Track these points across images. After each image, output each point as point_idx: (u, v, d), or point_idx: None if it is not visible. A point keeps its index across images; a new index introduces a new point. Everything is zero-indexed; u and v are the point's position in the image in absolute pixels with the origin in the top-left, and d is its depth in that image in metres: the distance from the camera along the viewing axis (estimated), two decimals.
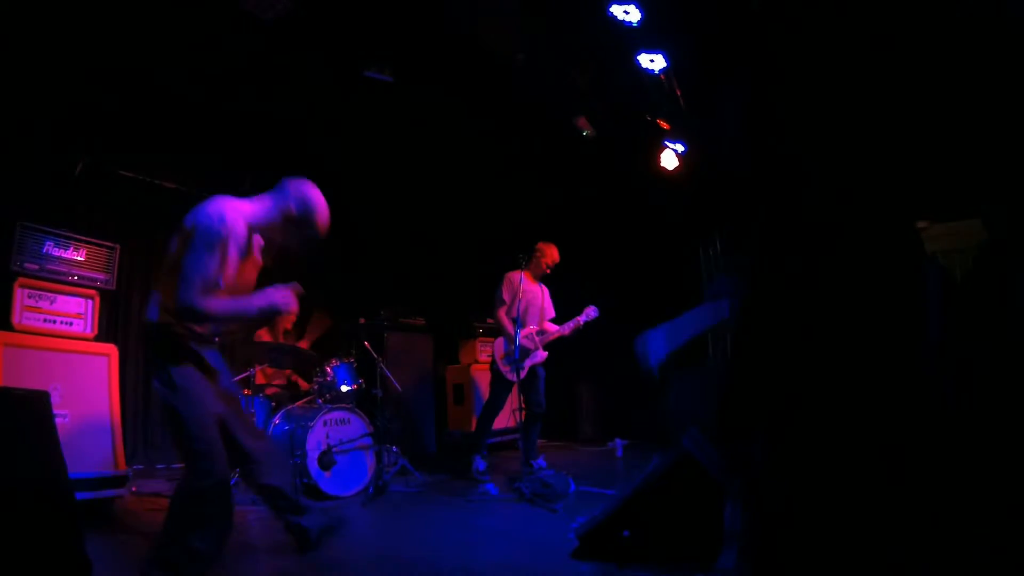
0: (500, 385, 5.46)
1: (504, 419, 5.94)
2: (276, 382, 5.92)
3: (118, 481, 3.84)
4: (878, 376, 1.79)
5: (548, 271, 5.56)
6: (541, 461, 5.42)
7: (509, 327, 5.27)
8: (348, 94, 6.14)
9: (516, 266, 5.38)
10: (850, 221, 1.92)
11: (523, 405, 5.11)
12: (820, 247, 1.90)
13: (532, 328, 5.42)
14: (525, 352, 5.29)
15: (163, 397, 2.56)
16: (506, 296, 5.41)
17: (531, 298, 5.39)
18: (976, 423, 1.78)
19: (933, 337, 1.99)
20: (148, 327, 2.62)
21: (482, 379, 7.28)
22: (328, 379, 5.13)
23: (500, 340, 5.51)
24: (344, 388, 5.13)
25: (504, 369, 5.39)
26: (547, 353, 5.44)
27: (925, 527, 1.67)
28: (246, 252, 2.77)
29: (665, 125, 6.52)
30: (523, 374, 5.25)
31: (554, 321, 5.59)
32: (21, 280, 3.79)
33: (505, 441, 6.93)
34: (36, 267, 3.86)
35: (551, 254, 5.53)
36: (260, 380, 5.47)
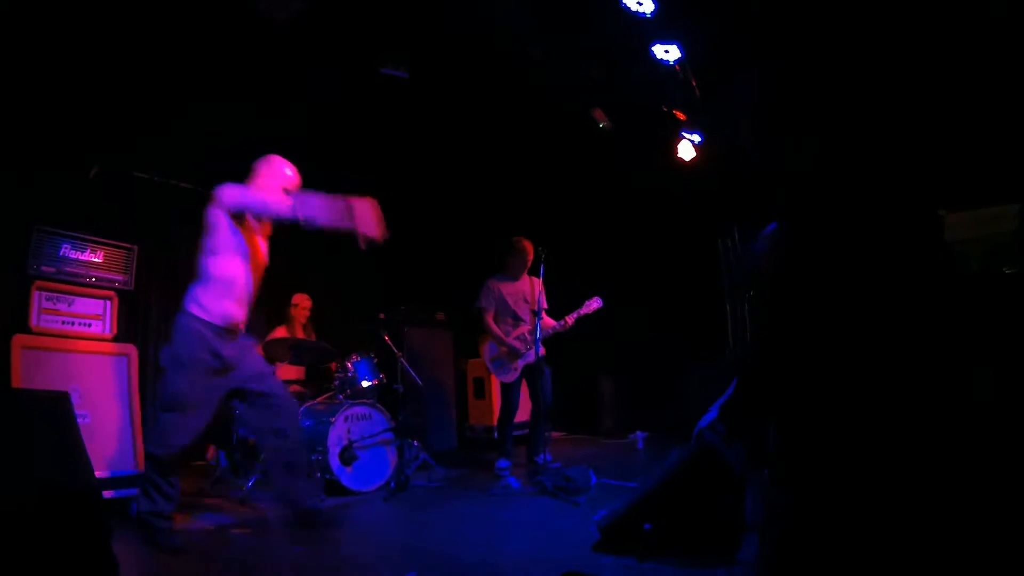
0: (504, 388, 5.47)
1: (524, 412, 5.90)
2: (296, 378, 5.98)
3: (138, 480, 3.88)
4: (902, 367, 1.76)
5: (528, 264, 5.52)
6: (547, 455, 5.07)
7: (496, 330, 5.35)
8: (365, 91, 6.15)
9: (502, 270, 5.52)
10: (873, 211, 1.90)
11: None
12: (843, 238, 1.88)
13: (524, 328, 5.38)
14: (515, 353, 5.32)
15: None
16: (484, 303, 5.43)
17: (518, 296, 5.40)
18: (1005, 419, 1.74)
19: (961, 330, 1.95)
20: None
21: None
22: (349, 375, 5.14)
23: (487, 344, 5.47)
24: (365, 384, 5.14)
25: (495, 373, 5.46)
26: (544, 351, 5.33)
27: (945, 519, 1.65)
28: None
29: (681, 116, 6.47)
30: (515, 375, 5.30)
31: (550, 313, 5.52)
32: (38, 283, 3.82)
33: (526, 435, 6.90)
34: (53, 270, 3.88)
35: (528, 246, 5.49)
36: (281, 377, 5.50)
